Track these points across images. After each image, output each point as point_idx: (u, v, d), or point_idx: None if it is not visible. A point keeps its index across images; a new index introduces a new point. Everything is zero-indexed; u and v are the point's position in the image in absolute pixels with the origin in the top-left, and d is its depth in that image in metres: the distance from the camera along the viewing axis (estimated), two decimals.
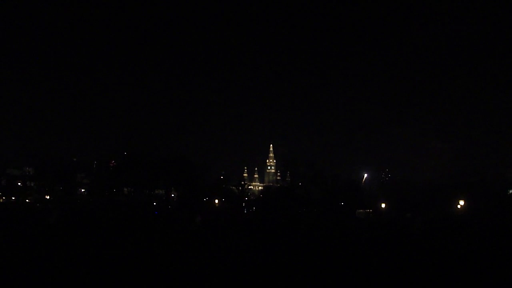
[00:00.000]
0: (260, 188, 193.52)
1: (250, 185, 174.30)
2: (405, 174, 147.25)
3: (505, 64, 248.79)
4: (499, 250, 33.70)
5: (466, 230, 50.94)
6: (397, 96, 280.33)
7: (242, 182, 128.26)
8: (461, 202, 77.62)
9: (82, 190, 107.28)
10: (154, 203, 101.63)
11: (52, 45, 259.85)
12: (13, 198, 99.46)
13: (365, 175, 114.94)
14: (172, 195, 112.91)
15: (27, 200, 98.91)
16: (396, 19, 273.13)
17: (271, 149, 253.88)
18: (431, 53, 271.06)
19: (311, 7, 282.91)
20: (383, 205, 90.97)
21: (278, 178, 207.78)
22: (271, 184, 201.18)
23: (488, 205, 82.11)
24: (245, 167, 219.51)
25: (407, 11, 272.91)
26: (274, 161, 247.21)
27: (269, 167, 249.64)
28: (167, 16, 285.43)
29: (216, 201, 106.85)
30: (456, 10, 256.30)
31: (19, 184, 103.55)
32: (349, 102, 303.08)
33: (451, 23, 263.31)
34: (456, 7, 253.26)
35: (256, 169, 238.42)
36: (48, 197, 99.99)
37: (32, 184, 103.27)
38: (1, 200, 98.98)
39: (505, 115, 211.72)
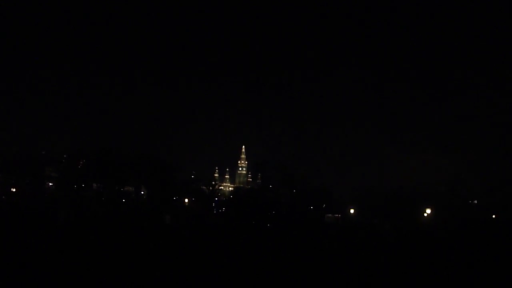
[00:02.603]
0: (230, 189, 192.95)
1: (221, 186, 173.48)
2: (374, 180, 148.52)
3: (479, 74, 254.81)
4: (464, 257, 34.72)
5: (433, 238, 52.30)
6: (371, 103, 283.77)
7: (213, 182, 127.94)
8: (428, 211, 79.19)
9: (50, 184, 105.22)
10: (124, 200, 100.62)
11: (22, 40, 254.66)
12: None
13: None
14: (142, 192, 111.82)
15: None
16: (372, 29, 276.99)
17: (243, 150, 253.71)
18: (407, 61, 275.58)
19: (285, 12, 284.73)
20: (351, 211, 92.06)
21: (249, 179, 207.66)
22: (242, 185, 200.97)
23: (454, 214, 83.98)
24: (216, 168, 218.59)
25: (388, 21, 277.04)
26: (246, 162, 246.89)
27: (240, 168, 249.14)
28: (137, 17, 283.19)
29: (186, 200, 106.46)
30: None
31: None
32: (323, 106, 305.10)
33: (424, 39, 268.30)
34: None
35: (227, 169, 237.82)
36: (14, 190, 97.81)
37: None
38: None
39: (475, 127, 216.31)
